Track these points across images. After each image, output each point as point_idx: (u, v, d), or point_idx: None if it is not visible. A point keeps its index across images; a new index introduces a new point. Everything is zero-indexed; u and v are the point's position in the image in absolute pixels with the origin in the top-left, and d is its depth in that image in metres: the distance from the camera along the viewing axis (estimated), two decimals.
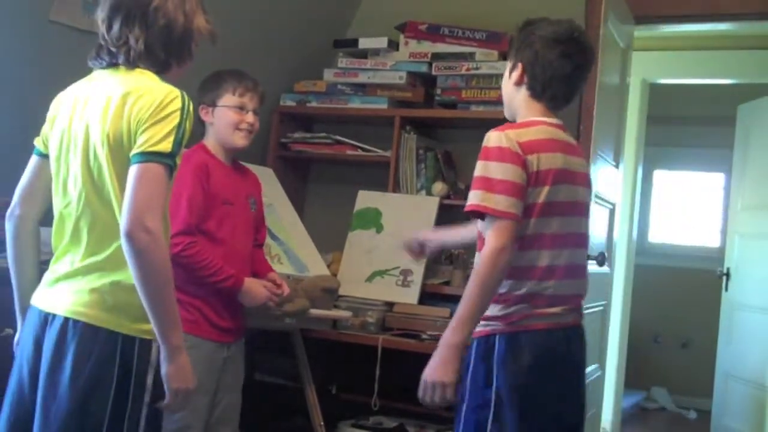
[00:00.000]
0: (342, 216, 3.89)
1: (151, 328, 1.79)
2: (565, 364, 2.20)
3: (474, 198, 2.08)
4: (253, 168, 3.20)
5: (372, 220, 3.79)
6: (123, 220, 1.72)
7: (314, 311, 3.18)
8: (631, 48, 3.96)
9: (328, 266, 3.72)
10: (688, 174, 7.13)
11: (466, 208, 2.11)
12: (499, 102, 3.60)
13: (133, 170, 1.74)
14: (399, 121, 3.76)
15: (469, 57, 3.70)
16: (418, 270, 3.61)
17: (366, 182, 3.91)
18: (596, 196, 3.40)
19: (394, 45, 3.87)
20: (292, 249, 3.54)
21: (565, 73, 2.20)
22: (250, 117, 2.86)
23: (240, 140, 2.86)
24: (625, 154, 4.21)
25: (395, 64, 3.80)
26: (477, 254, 2.17)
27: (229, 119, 2.83)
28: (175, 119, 1.77)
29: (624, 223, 5.13)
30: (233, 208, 2.83)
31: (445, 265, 3.76)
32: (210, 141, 2.88)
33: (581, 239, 2.28)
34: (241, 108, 2.84)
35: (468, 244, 2.64)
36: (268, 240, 3.41)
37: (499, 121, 2.37)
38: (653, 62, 5.40)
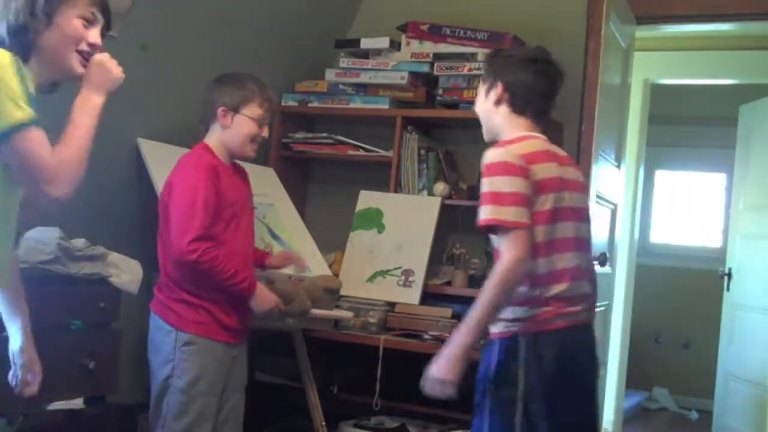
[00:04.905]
0: (343, 216, 3.89)
1: None
2: (583, 359, 2.32)
3: (485, 213, 2.17)
4: (255, 168, 3.20)
5: (373, 220, 3.79)
6: (47, 195, 1.69)
7: (315, 311, 3.18)
8: (633, 48, 3.96)
9: (330, 266, 3.72)
10: (689, 174, 7.12)
11: (480, 223, 2.20)
12: None
13: (11, 150, 1.67)
14: (401, 121, 3.76)
15: (470, 57, 3.70)
16: (420, 270, 3.61)
17: (367, 182, 3.90)
18: (598, 197, 3.40)
19: (395, 45, 3.86)
20: (293, 249, 3.54)
21: (542, 88, 2.34)
22: (266, 131, 2.84)
23: (251, 152, 2.85)
24: (626, 154, 4.21)
25: (397, 64, 3.80)
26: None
27: (249, 130, 2.79)
28: (14, 84, 1.67)
29: (625, 224, 5.13)
30: (237, 209, 2.79)
31: (446, 266, 3.76)
32: (214, 142, 2.79)
33: (586, 243, 2.37)
34: (262, 121, 2.81)
35: None
36: (270, 239, 3.42)
37: None
38: (655, 62, 5.40)
